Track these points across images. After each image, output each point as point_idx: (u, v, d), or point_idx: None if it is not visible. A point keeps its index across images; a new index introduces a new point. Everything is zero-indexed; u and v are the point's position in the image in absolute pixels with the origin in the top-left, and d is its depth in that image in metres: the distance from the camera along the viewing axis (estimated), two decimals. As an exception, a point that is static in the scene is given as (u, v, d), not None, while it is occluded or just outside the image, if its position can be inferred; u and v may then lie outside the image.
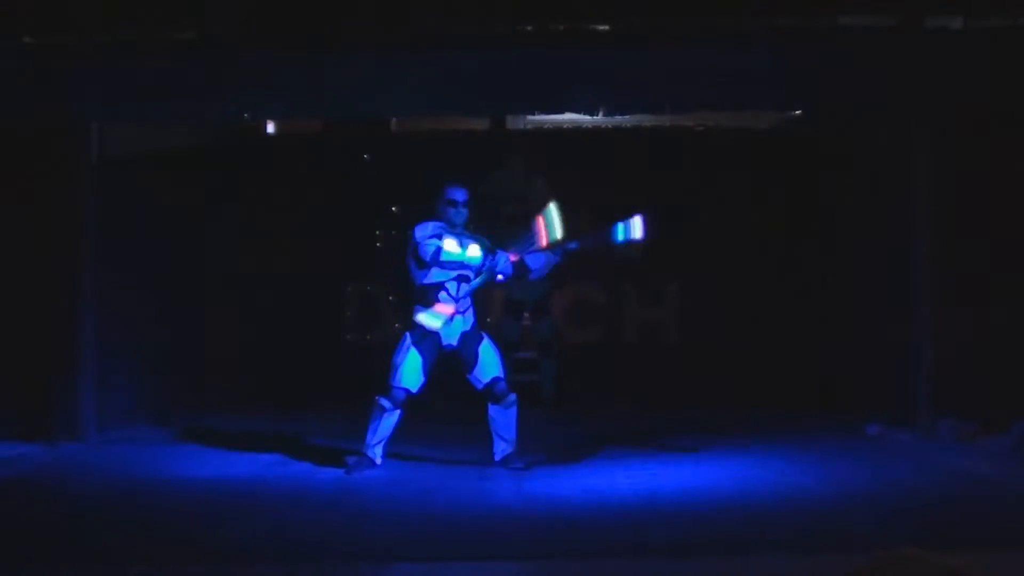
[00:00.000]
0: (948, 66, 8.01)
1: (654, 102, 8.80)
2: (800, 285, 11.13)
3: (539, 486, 7.04)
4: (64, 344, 8.65)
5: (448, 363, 7.62)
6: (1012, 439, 8.11)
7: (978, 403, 8.46)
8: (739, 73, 8.08)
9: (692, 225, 11.81)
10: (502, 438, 7.62)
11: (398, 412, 7.46)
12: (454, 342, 7.51)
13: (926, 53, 8.05)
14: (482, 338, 7.59)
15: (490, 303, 10.71)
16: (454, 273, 7.45)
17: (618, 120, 10.95)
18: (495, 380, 7.53)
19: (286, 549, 5.59)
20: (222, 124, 10.93)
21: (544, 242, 7.64)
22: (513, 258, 7.67)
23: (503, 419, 7.59)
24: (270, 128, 12.29)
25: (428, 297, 7.47)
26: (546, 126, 11.72)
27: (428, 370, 7.47)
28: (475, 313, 7.66)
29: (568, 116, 10.40)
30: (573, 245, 7.68)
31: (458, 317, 7.52)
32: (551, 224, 7.65)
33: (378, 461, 7.52)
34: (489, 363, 7.54)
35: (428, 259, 7.38)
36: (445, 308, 7.42)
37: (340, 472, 7.44)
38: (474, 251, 7.53)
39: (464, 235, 7.53)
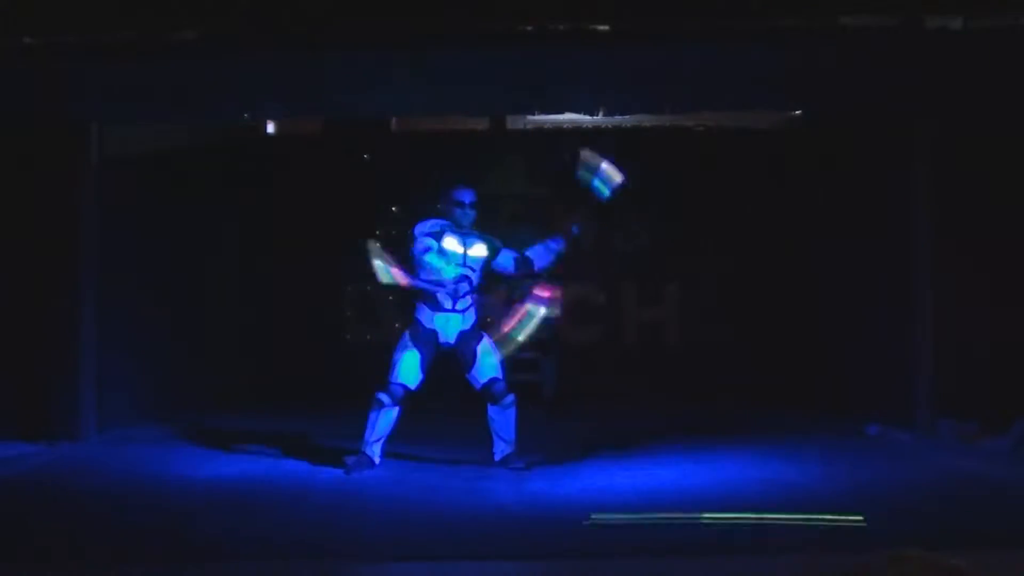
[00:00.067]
0: (948, 66, 8.00)
1: (654, 102, 8.80)
2: (800, 285, 11.14)
3: (539, 486, 7.04)
4: (64, 344, 8.65)
5: (448, 362, 7.63)
6: (1012, 439, 8.11)
7: (978, 403, 8.47)
8: (739, 73, 8.07)
9: (692, 225, 11.84)
10: (501, 438, 7.62)
11: (396, 409, 7.48)
12: (452, 340, 7.51)
13: (926, 53, 8.05)
14: (481, 338, 7.59)
15: (490, 303, 10.70)
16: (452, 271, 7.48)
17: (618, 120, 10.96)
18: (492, 381, 7.53)
19: (286, 549, 5.60)
20: (222, 124, 10.94)
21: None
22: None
23: (502, 420, 7.60)
24: (270, 128, 12.30)
25: (428, 295, 7.49)
26: (546, 126, 11.73)
27: (426, 367, 7.49)
28: (477, 313, 7.66)
29: (568, 116, 10.41)
30: (575, 229, 7.64)
31: (457, 316, 7.52)
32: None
33: (376, 460, 7.52)
34: (487, 364, 7.54)
35: (414, 254, 7.42)
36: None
37: (340, 472, 7.44)
38: (478, 250, 7.55)
39: (470, 235, 7.55)
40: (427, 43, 7.92)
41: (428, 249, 7.41)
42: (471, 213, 7.56)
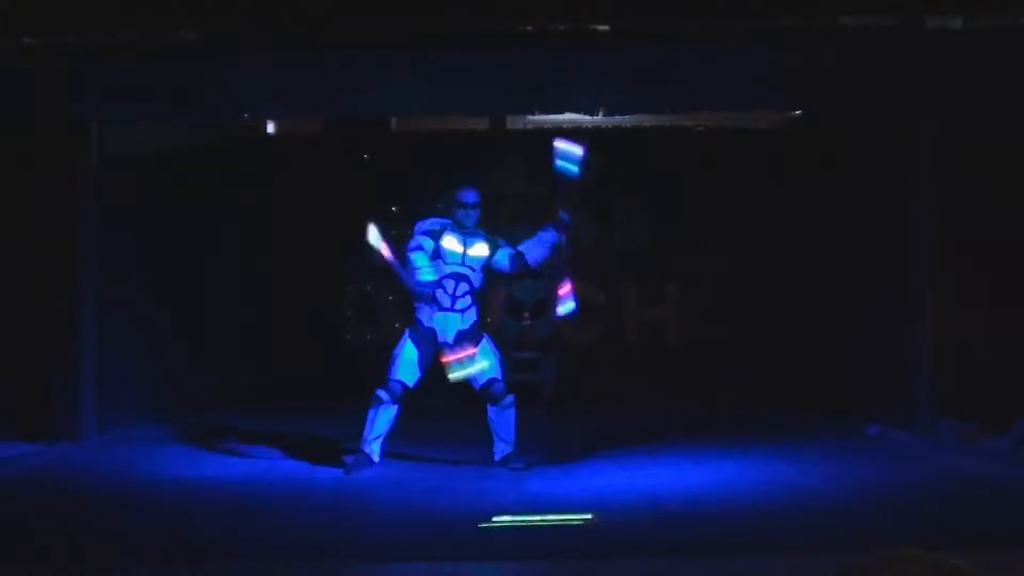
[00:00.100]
0: (948, 66, 8.00)
1: (654, 102, 8.80)
2: (800, 285, 11.14)
3: (539, 486, 7.04)
4: (64, 344, 8.65)
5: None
6: (1012, 439, 8.11)
7: (978, 403, 8.47)
8: (739, 73, 8.08)
9: (692, 225, 11.85)
10: (501, 439, 7.62)
11: (395, 407, 7.49)
12: (450, 339, 7.51)
13: (926, 53, 8.05)
14: (481, 339, 7.58)
15: (490, 303, 10.71)
16: (449, 270, 7.48)
17: (618, 120, 10.96)
18: (491, 382, 7.53)
19: (286, 549, 5.59)
20: (222, 124, 10.94)
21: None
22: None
23: (501, 420, 7.60)
24: (270, 128, 12.30)
25: (427, 293, 7.50)
26: (546, 126, 11.73)
27: (424, 365, 7.50)
28: (477, 313, 7.66)
29: (568, 116, 10.41)
30: (564, 216, 7.56)
31: (455, 316, 7.52)
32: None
33: (376, 458, 7.52)
34: (486, 364, 7.53)
35: (406, 250, 7.47)
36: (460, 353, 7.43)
37: (340, 472, 7.44)
38: (479, 250, 7.55)
39: (472, 235, 7.55)
40: (427, 43, 7.92)
41: (418, 248, 7.44)
42: (473, 213, 7.57)
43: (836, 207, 10.36)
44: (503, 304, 10.91)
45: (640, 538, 5.72)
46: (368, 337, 11.72)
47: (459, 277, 7.52)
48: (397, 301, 11.46)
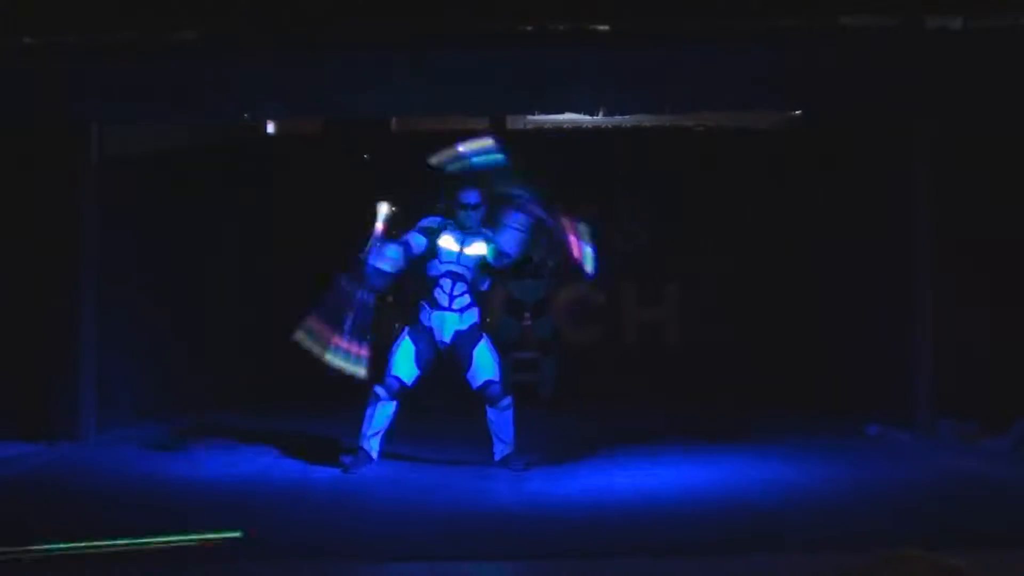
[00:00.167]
0: (948, 66, 8.00)
1: (654, 102, 8.80)
2: (800, 285, 11.14)
3: (539, 486, 7.04)
4: (64, 344, 8.64)
5: (448, 361, 7.63)
6: (1012, 439, 8.11)
7: (978, 403, 8.46)
8: (739, 73, 8.07)
9: (692, 225, 11.84)
10: (500, 439, 7.62)
11: (393, 404, 7.49)
12: (447, 339, 7.51)
13: (926, 53, 8.05)
14: (479, 339, 7.56)
15: (490, 303, 10.70)
16: (444, 269, 7.48)
17: (618, 120, 10.96)
18: (487, 383, 7.52)
19: (285, 549, 5.59)
20: (222, 124, 10.93)
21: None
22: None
23: (499, 421, 7.59)
24: (270, 128, 12.30)
25: (426, 292, 7.50)
26: (546, 126, 11.73)
27: (422, 363, 7.51)
28: (479, 313, 7.65)
29: (568, 116, 10.40)
30: (519, 194, 7.49)
31: (453, 315, 7.52)
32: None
33: (374, 455, 7.52)
34: (483, 366, 7.52)
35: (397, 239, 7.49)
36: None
37: (339, 472, 7.43)
38: (475, 249, 7.53)
39: (472, 234, 7.54)
40: (427, 43, 7.92)
41: (405, 242, 7.45)
42: (475, 214, 7.56)
43: (836, 207, 10.36)
44: (503, 304, 10.91)
45: (640, 538, 5.72)
46: (368, 337, 11.70)
47: (455, 276, 7.52)
48: (397, 301, 11.46)
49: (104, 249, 8.83)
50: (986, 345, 8.65)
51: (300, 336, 7.28)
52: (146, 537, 5.59)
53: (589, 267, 7.52)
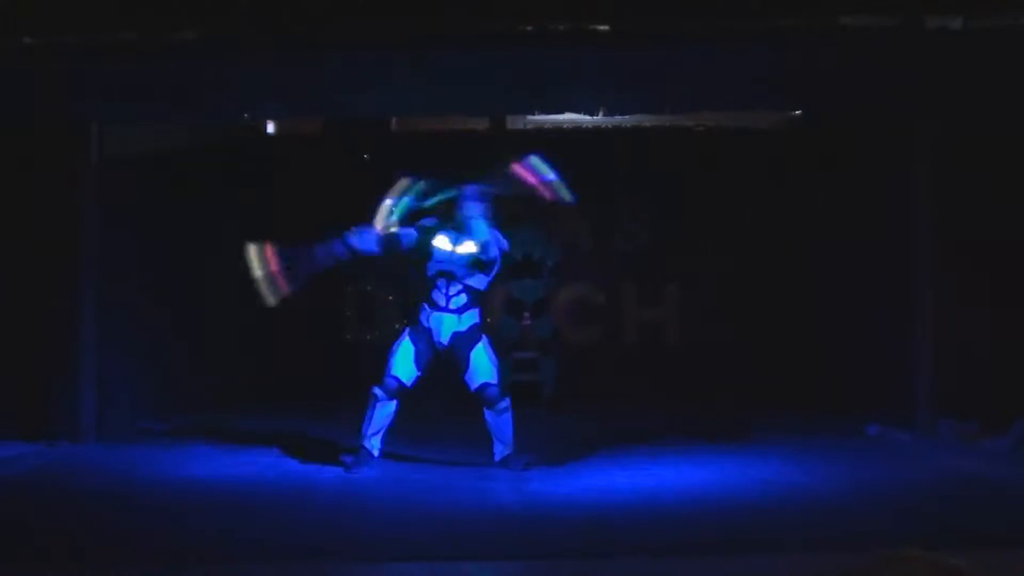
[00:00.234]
0: (948, 66, 8.00)
1: (654, 102, 8.80)
2: (800, 285, 11.14)
3: (539, 486, 7.04)
4: (64, 344, 8.64)
5: (448, 362, 7.64)
6: (1012, 439, 8.11)
7: (978, 403, 8.46)
8: (739, 73, 8.07)
9: (692, 225, 11.84)
10: (500, 440, 7.62)
11: (393, 403, 7.50)
12: (445, 340, 7.51)
13: (926, 53, 8.05)
14: (478, 341, 7.55)
15: (490, 303, 10.71)
16: (438, 268, 7.48)
17: (618, 120, 10.96)
18: (484, 386, 7.51)
19: (286, 549, 5.59)
20: (222, 124, 10.93)
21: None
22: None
23: (498, 424, 7.58)
24: (270, 128, 12.30)
25: (425, 293, 7.51)
26: (546, 126, 11.73)
27: (421, 363, 7.51)
28: (480, 315, 7.64)
29: (568, 116, 10.40)
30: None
31: (451, 317, 7.51)
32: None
33: (375, 453, 7.53)
34: (480, 368, 7.51)
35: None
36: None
37: (340, 471, 7.44)
38: (467, 248, 7.49)
39: (464, 233, 7.53)
40: (427, 43, 7.92)
41: (394, 234, 7.48)
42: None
43: (836, 207, 10.36)
44: (503, 304, 10.92)
45: (640, 538, 5.72)
46: (368, 337, 11.71)
47: (450, 276, 7.50)
48: (397, 301, 11.47)
49: (104, 249, 8.83)
50: (986, 345, 8.65)
51: (252, 249, 7.39)
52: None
53: (565, 195, 7.51)
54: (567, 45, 8.05)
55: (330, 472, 7.48)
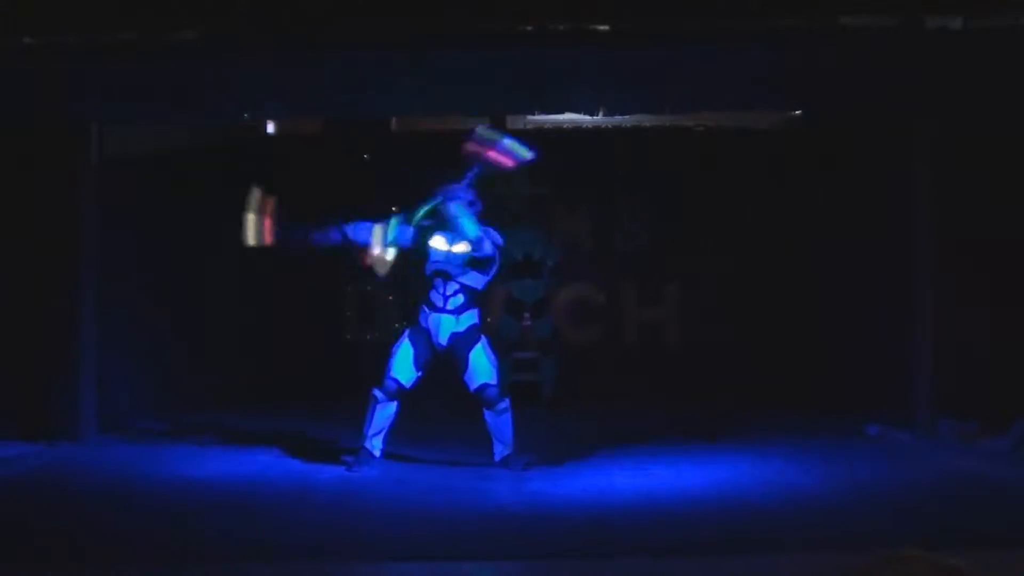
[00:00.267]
0: (948, 66, 8.00)
1: (654, 102, 8.80)
2: (800, 285, 11.13)
3: (539, 486, 7.04)
4: (64, 344, 8.64)
5: (447, 363, 7.64)
6: (1012, 439, 8.11)
7: (978, 403, 8.46)
8: (739, 73, 8.07)
9: (692, 225, 11.84)
10: (499, 441, 7.62)
11: (393, 404, 7.50)
12: (443, 341, 7.51)
13: (926, 53, 8.05)
14: (476, 342, 7.54)
15: (490, 303, 10.71)
16: (434, 268, 7.48)
17: (618, 120, 10.96)
18: (484, 387, 7.51)
19: (286, 549, 5.60)
20: (222, 124, 10.93)
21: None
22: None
23: (497, 424, 7.58)
24: (270, 128, 12.29)
25: (424, 294, 7.52)
26: (546, 126, 11.73)
27: (420, 364, 7.51)
28: (479, 315, 7.64)
29: (568, 116, 10.40)
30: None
31: (449, 318, 7.50)
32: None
33: (376, 453, 7.53)
34: (479, 369, 7.51)
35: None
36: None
37: (340, 471, 7.45)
38: (461, 247, 7.47)
39: (456, 233, 7.52)
40: (427, 43, 7.91)
41: (392, 234, 7.46)
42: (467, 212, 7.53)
43: (836, 207, 10.36)
44: (503, 304, 10.92)
45: (640, 538, 5.72)
46: (368, 337, 11.71)
47: (446, 276, 7.50)
48: (397, 301, 11.47)
49: (104, 249, 8.83)
50: (986, 345, 8.65)
51: (256, 194, 7.46)
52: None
53: (523, 153, 7.42)
54: (567, 45, 8.04)
55: (330, 472, 7.48)
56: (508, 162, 7.44)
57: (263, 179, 11.63)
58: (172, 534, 5.87)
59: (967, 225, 8.69)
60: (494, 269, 7.62)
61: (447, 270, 7.48)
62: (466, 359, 7.50)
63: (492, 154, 7.37)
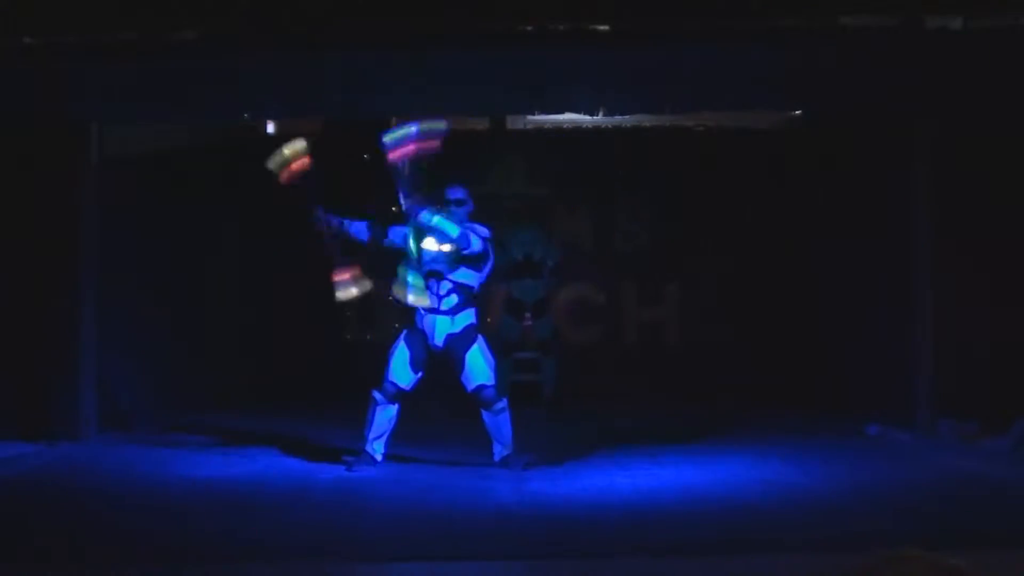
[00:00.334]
0: (948, 66, 8.00)
1: (654, 102, 8.80)
2: (800, 285, 11.14)
3: (539, 486, 7.04)
4: (64, 344, 8.64)
5: (445, 363, 7.64)
6: (1012, 439, 8.11)
7: (978, 403, 8.46)
8: (739, 73, 8.07)
9: (692, 225, 11.85)
10: (498, 441, 7.61)
11: (394, 407, 7.50)
12: (439, 343, 7.50)
13: (926, 53, 8.05)
14: (473, 342, 7.53)
15: (490, 303, 10.71)
16: (427, 268, 7.45)
17: (618, 120, 10.96)
18: (480, 387, 7.50)
19: (286, 549, 5.60)
20: (222, 124, 10.93)
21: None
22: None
23: (495, 425, 7.58)
24: (270, 128, 12.29)
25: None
26: (546, 126, 11.73)
27: (418, 366, 7.50)
28: (476, 315, 7.64)
29: (568, 116, 10.40)
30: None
31: (444, 319, 7.49)
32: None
33: (378, 458, 7.53)
34: (476, 370, 7.50)
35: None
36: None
37: (340, 471, 7.45)
38: (447, 247, 7.45)
39: (441, 238, 7.49)
40: (427, 43, 7.92)
41: (389, 235, 7.56)
42: (458, 211, 7.52)
43: (836, 207, 10.36)
44: (503, 304, 10.91)
45: (640, 538, 5.72)
46: (368, 337, 11.71)
47: (438, 276, 7.49)
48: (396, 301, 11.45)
49: (104, 249, 8.83)
50: (986, 345, 8.65)
51: (298, 142, 7.61)
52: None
53: (439, 126, 7.37)
54: (567, 45, 8.05)
55: (329, 472, 7.48)
56: (432, 144, 7.36)
57: (263, 179, 11.74)
58: (172, 534, 5.87)
59: (967, 225, 8.69)
60: (488, 265, 7.60)
61: (438, 269, 7.48)
62: (463, 360, 7.49)
63: (413, 147, 7.32)
